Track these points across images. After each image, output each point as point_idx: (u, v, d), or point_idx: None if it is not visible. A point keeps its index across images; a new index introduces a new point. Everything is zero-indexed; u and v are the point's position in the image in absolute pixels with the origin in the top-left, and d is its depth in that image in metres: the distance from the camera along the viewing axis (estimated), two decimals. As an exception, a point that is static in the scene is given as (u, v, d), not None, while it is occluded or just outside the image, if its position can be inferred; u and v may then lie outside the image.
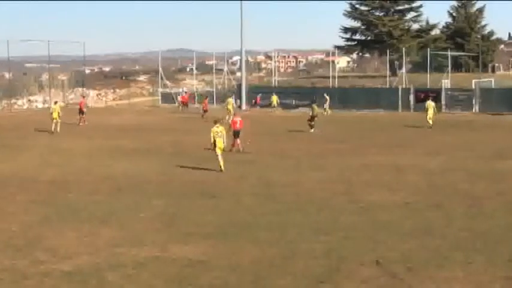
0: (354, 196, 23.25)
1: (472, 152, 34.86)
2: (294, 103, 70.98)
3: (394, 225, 18.66)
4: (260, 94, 68.70)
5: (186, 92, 79.56)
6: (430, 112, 49.38)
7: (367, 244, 16.71)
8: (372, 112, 63.34)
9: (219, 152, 28.80)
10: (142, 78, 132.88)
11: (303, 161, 32.38)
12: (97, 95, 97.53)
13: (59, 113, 47.05)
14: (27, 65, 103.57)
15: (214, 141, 28.81)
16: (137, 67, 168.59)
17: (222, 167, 28.46)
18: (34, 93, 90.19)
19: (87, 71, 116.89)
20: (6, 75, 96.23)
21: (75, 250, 16.46)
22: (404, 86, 72.70)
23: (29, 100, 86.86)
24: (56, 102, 51.11)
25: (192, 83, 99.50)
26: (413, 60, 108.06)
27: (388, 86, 79.24)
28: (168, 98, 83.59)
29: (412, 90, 67.38)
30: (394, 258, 15.43)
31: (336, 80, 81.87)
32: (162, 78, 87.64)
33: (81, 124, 51.89)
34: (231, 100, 57.19)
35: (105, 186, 25.66)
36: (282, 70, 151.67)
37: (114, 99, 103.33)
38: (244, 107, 72.82)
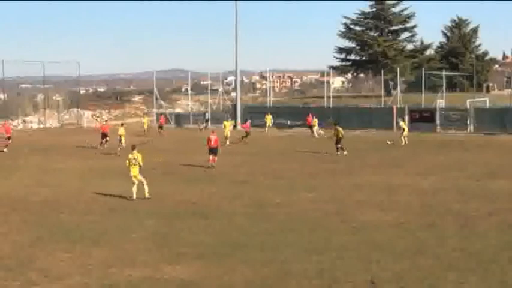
0: (347, 216, 23.21)
1: (464, 172, 34.83)
2: (288, 123, 71.10)
3: (387, 245, 18.63)
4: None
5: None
6: (406, 131, 51.59)
7: (360, 264, 16.68)
8: (365, 132, 63.41)
9: (135, 180, 27.27)
10: (137, 98, 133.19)
11: (296, 181, 32.37)
12: (92, 116, 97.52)
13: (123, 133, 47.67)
14: (22, 85, 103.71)
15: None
16: (131, 87, 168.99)
17: (134, 196, 26.95)
18: (29, 114, 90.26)
19: (82, 92, 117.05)
20: (1, 95, 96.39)
21: (67, 270, 16.42)
22: (398, 106, 72.78)
23: (24, 121, 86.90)
24: (122, 125, 51.92)
25: (187, 103, 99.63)
26: (408, 80, 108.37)
27: (382, 106, 79.36)
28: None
29: (406, 110, 67.46)
30: (387, 278, 15.42)
31: (331, 100, 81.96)
32: (157, 98, 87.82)
33: (100, 147, 49.39)
34: (228, 123, 55.57)
35: (97, 206, 25.64)
36: (277, 90, 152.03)
37: (108, 120, 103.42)
38: (238, 126, 72.89)
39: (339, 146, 43.77)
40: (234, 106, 78.54)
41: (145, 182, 27.38)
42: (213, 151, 37.75)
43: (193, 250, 18.34)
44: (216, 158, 37.77)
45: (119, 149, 45.26)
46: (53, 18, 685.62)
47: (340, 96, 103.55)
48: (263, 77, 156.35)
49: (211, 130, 44.69)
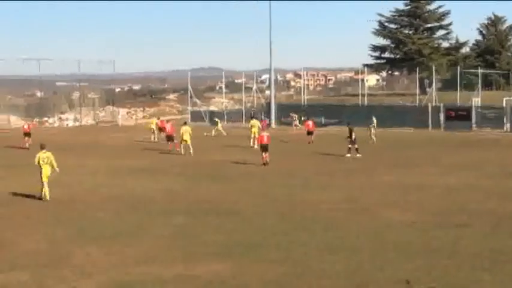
0: (364, 215, 23.18)
1: (500, 170, 34.61)
2: (322, 121, 70.99)
3: (403, 245, 18.53)
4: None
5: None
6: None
7: (377, 263, 16.60)
8: (401, 130, 63.13)
9: (45, 180, 26.65)
10: (171, 96, 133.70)
11: (314, 179, 32.40)
12: (127, 113, 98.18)
13: (190, 134, 44.85)
14: (58, 83, 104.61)
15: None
16: (166, 85, 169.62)
17: (47, 196, 26.54)
18: (65, 112, 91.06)
19: (117, 90, 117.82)
20: (38, 93, 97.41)
21: (98, 267, 16.57)
22: (434, 104, 72.33)
23: (60, 118, 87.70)
24: (185, 123, 48.28)
25: (222, 101, 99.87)
26: (443, 78, 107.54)
27: (417, 104, 78.91)
28: (198, 116, 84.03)
29: (442, 108, 67.07)
30: (404, 277, 15.35)
31: (365, 98, 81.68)
32: (191, 96, 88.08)
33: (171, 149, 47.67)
34: (256, 122, 52.09)
35: (125, 205, 25.83)
36: (311, 88, 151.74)
37: (143, 118, 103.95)
38: (273, 125, 72.97)
39: (356, 146, 42.71)
40: (268, 104, 78.60)
41: (46, 185, 26.70)
42: (264, 148, 37.75)
43: (223, 248, 18.38)
44: (268, 155, 37.64)
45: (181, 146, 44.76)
46: (90, 17, 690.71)
47: (374, 94, 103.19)
48: (297, 75, 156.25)
49: (262, 127, 44.63)
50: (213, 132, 59.96)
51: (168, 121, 53.63)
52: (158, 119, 62.24)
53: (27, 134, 52.00)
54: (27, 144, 49.83)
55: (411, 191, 28.30)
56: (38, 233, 20.84)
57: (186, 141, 43.77)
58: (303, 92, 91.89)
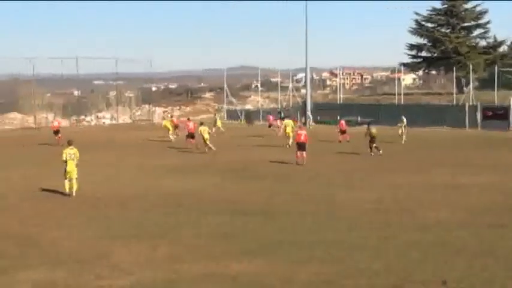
0: (402, 213, 23.16)
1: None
2: (358, 120, 70.76)
3: (438, 245, 18.50)
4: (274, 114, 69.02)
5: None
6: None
7: (401, 263, 16.59)
8: (437, 129, 62.79)
9: (71, 176, 27.37)
10: (207, 95, 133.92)
11: (347, 178, 32.45)
12: (163, 112, 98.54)
13: (209, 133, 46.02)
14: (95, 82, 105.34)
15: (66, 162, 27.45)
16: (202, 84, 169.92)
17: (74, 191, 27.34)
18: (102, 110, 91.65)
19: (154, 88, 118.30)
20: (75, 92, 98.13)
21: (135, 265, 16.74)
22: (471, 103, 71.77)
23: (97, 116, 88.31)
24: (202, 123, 47.99)
25: (257, 100, 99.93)
26: (480, 77, 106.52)
27: (454, 103, 78.34)
28: (233, 114, 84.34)
29: (479, 108, 66.57)
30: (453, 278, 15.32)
31: (402, 97, 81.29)
32: (227, 95, 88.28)
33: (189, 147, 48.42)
34: (290, 122, 51.30)
35: (162, 202, 26.06)
36: (347, 87, 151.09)
37: (180, 116, 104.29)
38: (308, 124, 72.93)
39: (374, 145, 42.93)
40: (304, 103, 78.54)
41: (75, 181, 27.42)
42: (301, 147, 37.67)
43: (255, 247, 18.48)
44: (305, 155, 37.65)
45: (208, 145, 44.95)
46: (128, 17, 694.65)
47: (411, 93, 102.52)
48: (333, 74, 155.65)
49: (299, 126, 44.52)
50: (213, 129, 57.87)
51: (189, 119, 54.18)
52: (171, 117, 62.95)
53: (56, 132, 52.70)
54: (59, 142, 50.27)
55: (446, 190, 28.21)
56: (72, 231, 21.09)
57: (206, 140, 44.39)
58: (339, 91, 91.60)
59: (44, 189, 29.24)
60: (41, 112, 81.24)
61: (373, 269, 16.04)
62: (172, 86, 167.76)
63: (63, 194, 27.67)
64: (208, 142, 44.49)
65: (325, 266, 16.42)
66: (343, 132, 52.50)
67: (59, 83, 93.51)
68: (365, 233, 20.20)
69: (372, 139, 42.99)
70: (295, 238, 19.52)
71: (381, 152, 42.32)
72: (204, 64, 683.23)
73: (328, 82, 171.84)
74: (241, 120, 75.68)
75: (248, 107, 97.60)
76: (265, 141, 52.66)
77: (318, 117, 74.25)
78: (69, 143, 28.14)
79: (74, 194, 27.29)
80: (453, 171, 34.59)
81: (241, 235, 20.09)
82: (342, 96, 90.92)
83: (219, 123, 62.51)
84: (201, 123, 47.62)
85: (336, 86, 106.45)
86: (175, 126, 58.64)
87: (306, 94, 79.40)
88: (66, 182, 27.52)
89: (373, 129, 43.54)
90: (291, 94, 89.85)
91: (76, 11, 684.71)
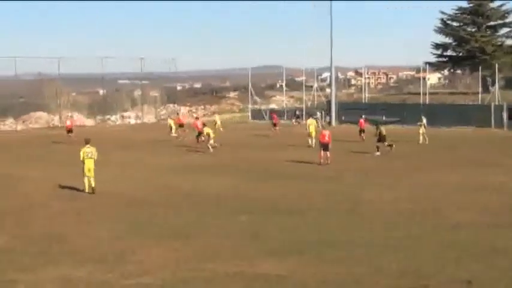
0: (425, 214, 23.03)
1: None
2: (383, 119, 70.56)
3: (464, 245, 18.39)
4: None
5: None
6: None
7: (439, 263, 16.51)
8: (462, 129, 62.45)
9: (87, 173, 27.85)
10: (232, 94, 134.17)
11: (372, 177, 32.31)
12: (188, 111, 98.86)
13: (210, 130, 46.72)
14: (120, 81, 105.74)
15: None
16: (227, 83, 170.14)
17: (91, 188, 27.87)
18: (127, 109, 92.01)
19: (178, 88, 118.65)
20: (100, 91, 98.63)
21: (160, 264, 16.80)
22: (497, 103, 71.26)
23: (122, 116, 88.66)
24: (204, 125, 48.96)
25: (282, 100, 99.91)
26: (507, 76, 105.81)
27: (480, 103, 77.84)
28: (258, 114, 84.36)
29: (505, 107, 66.11)
30: (474, 278, 15.25)
31: (427, 96, 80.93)
32: (251, 94, 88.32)
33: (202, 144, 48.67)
34: (313, 121, 50.73)
35: (184, 201, 26.17)
36: (372, 86, 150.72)
37: (204, 116, 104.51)
38: (333, 123, 72.85)
39: (386, 144, 42.96)
40: (329, 102, 78.42)
41: (92, 179, 27.90)
42: (325, 147, 37.58)
43: (287, 246, 18.47)
44: (329, 154, 37.54)
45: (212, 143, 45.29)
46: (152, 16, 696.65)
47: (436, 92, 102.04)
48: (358, 73, 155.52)
49: (322, 126, 44.36)
50: (175, 135, 57.13)
51: (197, 118, 55.03)
52: (177, 114, 64.96)
53: (69, 131, 53.34)
54: (75, 139, 50.91)
55: (473, 190, 28.03)
56: (100, 229, 21.23)
57: (211, 138, 45.29)
58: (364, 90, 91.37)
59: (66, 187, 29.55)
60: (66, 111, 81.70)
61: (399, 269, 15.99)
62: (197, 85, 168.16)
63: (83, 192, 28.01)
64: (211, 142, 45.22)
65: (358, 265, 16.38)
66: (361, 131, 52.40)
67: (84, 83, 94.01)
68: (398, 233, 20.13)
69: (381, 138, 42.89)
70: (328, 238, 19.48)
71: (391, 147, 42.59)
72: (229, 63, 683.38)
73: (353, 81, 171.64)
74: (297, 123, 75.77)
75: (273, 106, 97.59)
76: (284, 140, 52.47)
77: (343, 117, 74.06)
78: (87, 142, 28.55)
79: (92, 191, 27.72)
80: (482, 171, 34.37)
81: (271, 234, 20.07)
82: (367, 95, 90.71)
83: (218, 123, 62.56)
84: (204, 125, 48.54)
85: (361, 85, 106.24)
86: (181, 125, 58.88)
87: (331, 93, 79.22)
88: (86, 180, 27.94)
89: (383, 129, 43.44)
90: (315, 93, 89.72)
91: (101, 12, 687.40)
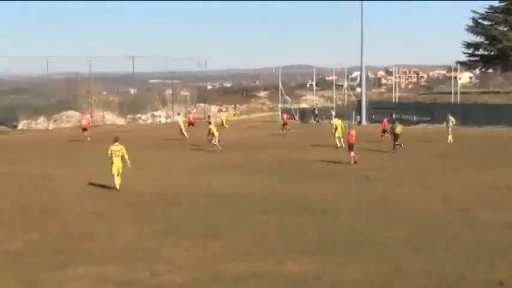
0: (459, 214, 22.89)
1: None
2: (414, 119, 70.23)
3: (497, 246, 18.20)
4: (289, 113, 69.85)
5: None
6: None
7: (472, 264, 16.39)
8: (494, 129, 61.98)
9: (115, 171, 28.30)
10: (262, 94, 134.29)
11: (403, 176, 32.16)
12: (218, 111, 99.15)
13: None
14: (151, 80, 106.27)
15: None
16: (257, 83, 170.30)
17: (118, 186, 28.30)
18: (158, 108, 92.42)
19: (209, 87, 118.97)
20: (131, 90, 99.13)
21: (192, 262, 16.81)
22: (529, 102, 70.65)
23: (153, 115, 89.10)
24: (210, 123, 50.30)
25: (312, 99, 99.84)
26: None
27: (512, 103, 77.19)
28: (288, 113, 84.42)
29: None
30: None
31: (458, 96, 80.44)
32: (282, 94, 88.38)
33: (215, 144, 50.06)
34: (339, 122, 49.02)
35: (211, 200, 26.18)
36: (402, 86, 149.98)
37: (234, 115, 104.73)
38: (364, 122, 72.68)
39: (396, 143, 43.06)
40: (359, 102, 78.22)
41: (118, 177, 28.34)
42: (351, 147, 37.59)
43: (313, 246, 18.42)
44: (355, 154, 37.41)
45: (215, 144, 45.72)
46: (183, 16, 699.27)
47: (467, 92, 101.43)
48: (388, 73, 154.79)
49: (349, 126, 44.21)
50: (186, 134, 56.66)
51: (209, 117, 56.11)
52: (189, 112, 63.90)
53: (84, 130, 54.16)
54: (88, 138, 53.34)
55: (507, 190, 27.76)
56: (128, 227, 21.31)
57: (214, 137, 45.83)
58: (394, 90, 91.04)
59: (95, 186, 29.86)
60: (97, 110, 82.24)
61: (430, 269, 15.88)
62: (227, 84, 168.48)
63: (112, 189, 28.40)
64: (215, 140, 45.72)
65: (389, 265, 16.29)
66: (384, 131, 52.33)
67: (115, 82, 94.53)
68: (431, 233, 19.99)
69: (396, 137, 42.78)
70: (359, 237, 19.40)
71: (400, 146, 42.85)
72: (259, 63, 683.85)
73: (383, 81, 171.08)
74: (316, 121, 76.17)
75: (303, 105, 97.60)
76: (310, 140, 52.40)
77: (373, 116, 73.81)
78: (115, 140, 28.86)
79: (119, 188, 28.17)
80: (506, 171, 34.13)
81: (302, 234, 20.02)
82: (397, 95, 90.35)
83: (224, 121, 62.55)
84: (209, 123, 49.62)
85: (392, 84, 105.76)
86: (191, 124, 59.03)
87: (361, 93, 79.05)
88: (115, 178, 28.38)
89: (398, 127, 43.33)
90: (345, 93, 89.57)
91: (132, 11, 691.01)
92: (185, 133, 56.05)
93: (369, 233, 20.01)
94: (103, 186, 29.36)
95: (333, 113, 70.91)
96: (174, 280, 15.41)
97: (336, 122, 49.13)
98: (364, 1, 75.16)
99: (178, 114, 65.93)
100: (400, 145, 42.89)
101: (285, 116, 67.50)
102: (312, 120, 77.65)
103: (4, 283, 15.36)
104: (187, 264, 16.63)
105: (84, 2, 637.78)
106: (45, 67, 76.27)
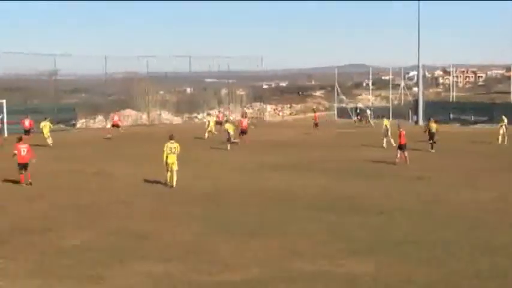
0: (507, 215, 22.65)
1: None
2: (472, 119, 69.55)
3: None
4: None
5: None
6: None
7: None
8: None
9: (170, 169, 28.85)
10: (318, 93, 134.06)
11: (455, 177, 31.93)
12: (273, 110, 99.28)
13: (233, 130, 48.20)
14: (207, 80, 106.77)
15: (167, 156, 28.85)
16: (313, 82, 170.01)
17: (174, 183, 28.79)
18: (214, 108, 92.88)
19: (264, 86, 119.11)
20: (188, 89, 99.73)
21: (243, 262, 16.86)
22: None
23: (209, 114, 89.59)
24: (227, 121, 51.64)
25: (368, 98, 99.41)
26: None
27: None
28: (344, 112, 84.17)
29: None
30: None
31: (517, 95, 79.42)
32: (338, 93, 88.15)
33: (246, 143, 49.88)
34: (387, 121, 48.94)
35: (258, 199, 26.28)
36: (460, 85, 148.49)
37: (290, 114, 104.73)
38: (420, 122, 72.16)
39: (431, 141, 42.96)
40: (416, 101, 77.67)
41: (175, 174, 28.86)
42: (401, 148, 37.33)
43: (366, 246, 18.39)
44: (406, 154, 37.20)
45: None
46: (239, 15, 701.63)
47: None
48: (446, 72, 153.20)
49: (398, 126, 43.99)
50: (206, 135, 55.58)
51: (243, 117, 55.60)
52: (219, 112, 67.57)
53: (115, 126, 54.85)
54: (108, 135, 54.66)
55: None
56: (182, 225, 21.45)
57: (231, 136, 47.16)
58: (452, 89, 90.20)
59: (151, 183, 30.16)
60: (154, 109, 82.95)
61: (484, 271, 15.80)
62: (283, 84, 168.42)
63: (166, 186, 28.92)
64: (232, 138, 47.07)
65: (442, 266, 16.23)
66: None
67: (172, 81, 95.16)
68: (485, 233, 19.84)
69: (432, 135, 42.42)
70: (412, 238, 19.31)
71: (435, 143, 42.76)
72: (315, 62, 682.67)
73: (440, 80, 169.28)
74: (359, 120, 76.03)
75: (359, 105, 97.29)
76: (359, 140, 52.15)
77: (430, 117, 73.21)
78: (171, 138, 29.38)
79: (174, 185, 28.68)
80: None
81: (355, 233, 19.99)
82: (454, 94, 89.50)
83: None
84: (226, 121, 50.89)
85: (449, 84, 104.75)
86: (218, 123, 58.28)
87: (418, 92, 78.50)
88: (168, 174, 28.96)
89: (433, 125, 42.93)
90: (402, 92, 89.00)
91: (190, 11, 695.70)
92: (206, 134, 55.26)
93: (423, 233, 19.92)
94: (159, 183, 29.68)
95: (368, 111, 70.83)
96: (228, 279, 15.49)
97: (386, 122, 48.65)
98: (421, 1, 74.61)
99: (209, 114, 66.20)
100: (435, 142, 42.79)
101: (316, 115, 68.11)
102: (355, 119, 77.47)
103: (67, 278, 15.60)
104: (241, 264, 16.68)
105: (141, 2, 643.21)
106: (104, 67, 77.26)
